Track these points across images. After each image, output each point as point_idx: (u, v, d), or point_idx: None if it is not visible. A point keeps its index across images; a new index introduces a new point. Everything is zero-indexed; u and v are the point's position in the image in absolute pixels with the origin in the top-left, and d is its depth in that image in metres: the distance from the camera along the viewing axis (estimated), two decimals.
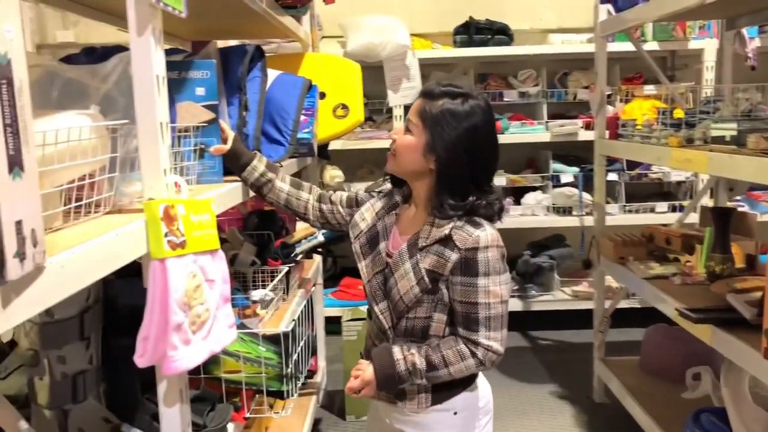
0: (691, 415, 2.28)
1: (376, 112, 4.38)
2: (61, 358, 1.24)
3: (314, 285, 3.21)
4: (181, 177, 1.13)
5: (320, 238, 2.58)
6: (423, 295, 1.49)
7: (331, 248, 4.63)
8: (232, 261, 2.43)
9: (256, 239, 2.52)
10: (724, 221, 2.39)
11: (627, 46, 3.84)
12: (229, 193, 1.54)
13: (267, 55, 3.51)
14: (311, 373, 3.16)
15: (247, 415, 1.51)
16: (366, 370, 1.51)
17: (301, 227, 2.83)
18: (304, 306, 2.52)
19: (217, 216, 2.80)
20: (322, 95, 2.89)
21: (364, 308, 3.34)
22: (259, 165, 1.67)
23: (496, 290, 1.47)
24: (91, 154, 0.97)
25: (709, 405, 2.32)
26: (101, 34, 2.73)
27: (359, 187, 4.30)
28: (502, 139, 4.17)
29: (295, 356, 1.58)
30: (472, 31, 4.13)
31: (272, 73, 2.05)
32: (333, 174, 4.28)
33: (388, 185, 1.72)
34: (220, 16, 2.28)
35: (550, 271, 4.29)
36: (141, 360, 1.03)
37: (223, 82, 1.74)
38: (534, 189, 4.32)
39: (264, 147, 1.90)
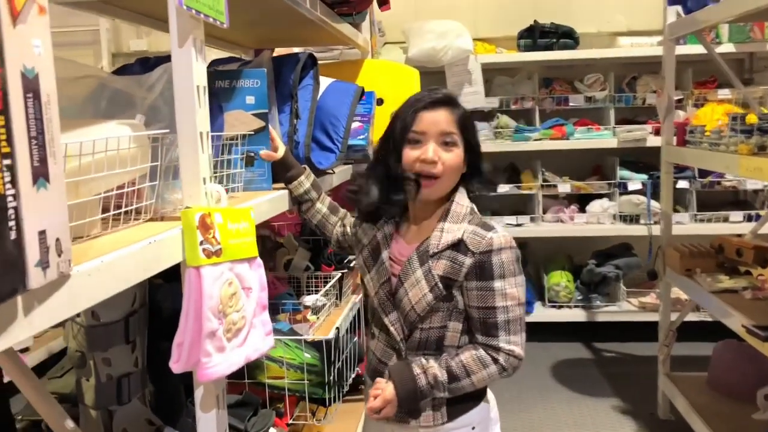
0: None
1: None
2: (106, 360, 1.27)
3: None
4: (220, 185, 1.15)
5: None
6: (437, 302, 1.44)
7: None
8: (286, 266, 2.46)
9: (312, 245, 2.54)
10: None
11: (699, 49, 3.68)
12: (276, 201, 1.55)
13: (329, 62, 3.57)
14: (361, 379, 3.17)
15: (290, 421, 1.52)
16: (386, 388, 1.44)
17: None
18: (356, 312, 2.53)
19: (275, 221, 2.84)
20: (380, 101, 2.89)
21: None
22: (305, 181, 1.67)
23: (513, 292, 1.43)
24: (131, 163, 1.00)
25: None
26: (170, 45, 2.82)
27: None
28: (567, 145, 4.08)
29: (338, 364, 1.57)
30: (536, 35, 4.06)
31: (325, 81, 2.06)
32: None
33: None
34: (278, 26, 2.32)
35: (615, 281, 4.15)
36: (176, 366, 1.05)
37: (274, 90, 1.76)
38: (600, 196, 4.20)
39: (315, 154, 1.91)
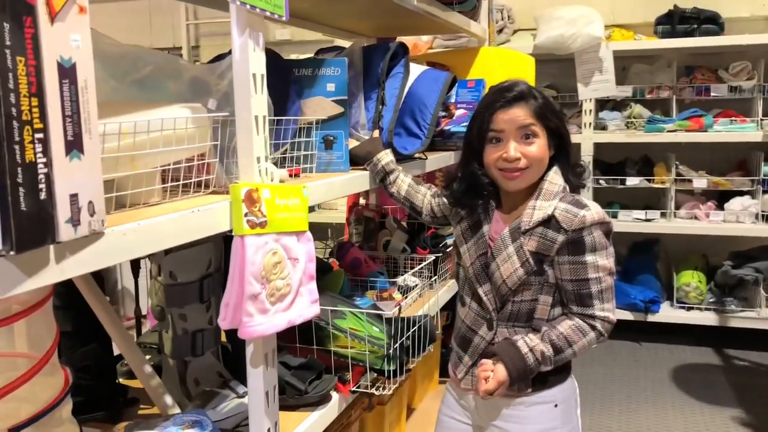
0: None
1: (568, 105, 4.25)
2: (182, 316, 1.44)
3: None
4: (274, 165, 1.26)
5: None
6: (528, 277, 1.50)
7: None
8: (385, 246, 2.57)
9: (410, 228, 2.62)
10: None
11: None
12: (350, 182, 1.66)
13: (450, 49, 3.61)
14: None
15: (353, 388, 1.62)
16: (498, 370, 1.49)
17: None
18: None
19: (387, 205, 2.95)
20: None
21: None
22: (384, 157, 1.76)
23: (605, 264, 1.49)
24: (188, 141, 1.14)
25: None
26: (311, 34, 3.01)
27: None
28: (705, 137, 3.84)
29: (403, 339, 1.65)
30: (675, 21, 3.84)
31: (418, 69, 2.13)
32: None
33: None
34: (383, 16, 2.41)
35: (754, 285, 3.86)
36: (223, 323, 1.18)
37: (362, 78, 1.86)
38: (741, 194, 3.91)
39: (402, 140, 1.99)
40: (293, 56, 2.39)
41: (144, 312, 2.03)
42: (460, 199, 1.65)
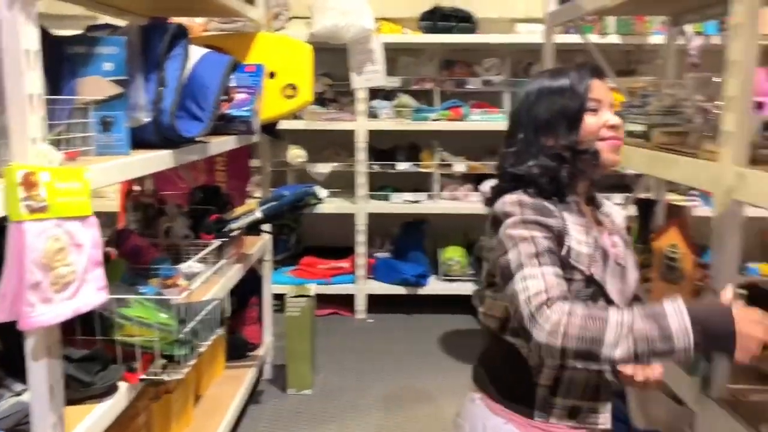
0: None
1: (342, 94, 4.43)
2: None
3: (261, 262, 3.29)
4: (51, 147, 1.20)
5: (258, 215, 2.64)
6: None
7: (295, 227, 4.72)
8: (166, 233, 2.51)
9: (194, 213, 2.59)
10: (646, 212, 2.47)
11: (592, 38, 3.93)
12: (131, 165, 1.61)
13: (226, 33, 3.58)
14: (253, 347, 3.25)
15: (143, 376, 1.59)
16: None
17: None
18: (239, 280, 2.61)
19: (165, 191, 2.87)
20: (272, 75, 2.95)
21: (311, 286, 3.43)
22: None
23: None
24: None
25: None
26: (69, 7, 2.77)
27: (321, 168, 4.37)
28: (463, 126, 4.24)
29: (192, 324, 1.65)
30: (437, 18, 4.18)
31: (199, 51, 2.11)
32: (296, 153, 4.35)
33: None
34: None
35: None
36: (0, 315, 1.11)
37: (140, 59, 1.80)
38: (493, 176, 4.38)
39: (184, 122, 1.96)
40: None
41: None
42: (560, 190, 1.34)
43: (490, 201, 1.41)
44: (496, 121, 4.24)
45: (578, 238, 1.29)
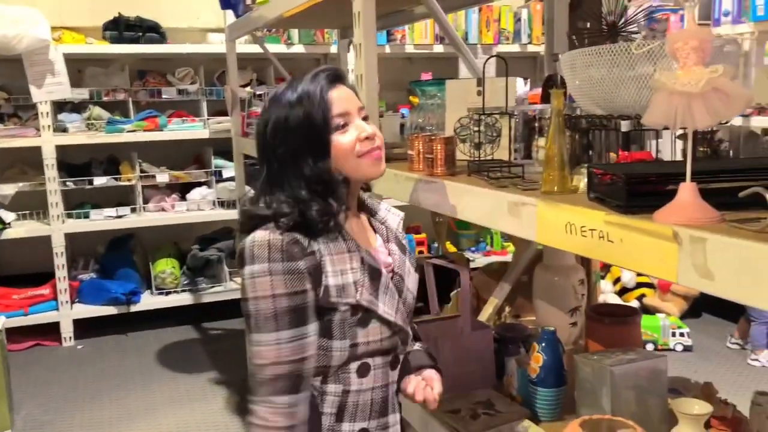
0: None
1: (23, 108, 4.11)
2: None
3: None
4: None
5: None
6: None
7: None
8: None
9: None
10: None
11: (280, 48, 4.18)
12: None
13: None
14: None
15: None
16: (431, 376, 1.32)
17: None
18: None
19: None
20: None
21: (0, 319, 3.15)
22: None
23: None
24: None
25: None
26: None
27: (4, 189, 4.01)
28: (162, 136, 4.21)
29: None
30: (121, 28, 4.08)
31: None
32: None
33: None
34: None
35: (219, 263, 4.43)
36: None
37: None
38: (200, 185, 4.43)
39: None
40: None
41: None
42: (322, 221, 1.19)
43: (242, 226, 1.24)
44: (195, 129, 4.29)
45: (339, 269, 1.19)
